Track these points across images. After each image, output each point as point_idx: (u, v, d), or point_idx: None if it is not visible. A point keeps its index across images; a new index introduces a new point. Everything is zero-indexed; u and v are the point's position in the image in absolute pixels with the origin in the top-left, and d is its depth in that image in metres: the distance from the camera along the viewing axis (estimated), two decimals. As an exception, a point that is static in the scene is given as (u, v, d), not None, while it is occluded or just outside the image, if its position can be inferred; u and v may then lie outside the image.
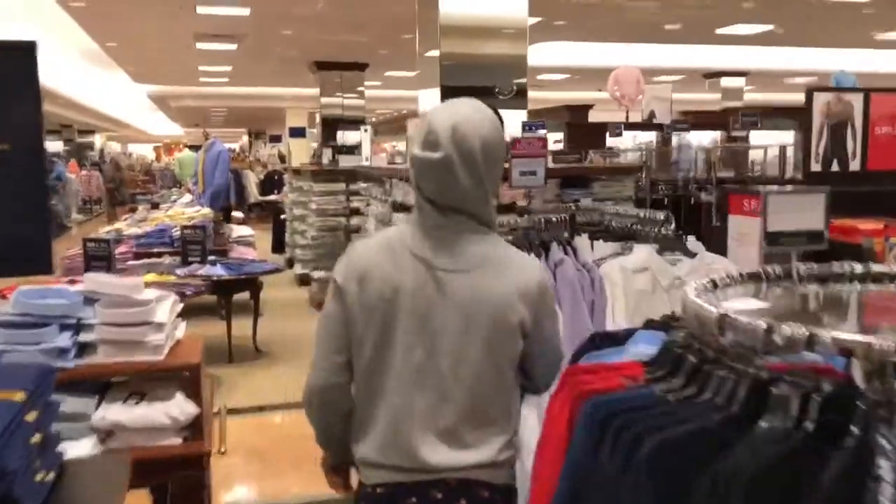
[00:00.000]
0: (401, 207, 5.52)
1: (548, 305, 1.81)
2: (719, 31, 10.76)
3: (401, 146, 9.17)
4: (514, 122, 6.96)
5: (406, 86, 14.44)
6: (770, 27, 10.49)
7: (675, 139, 10.85)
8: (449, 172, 1.67)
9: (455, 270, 1.70)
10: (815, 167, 3.68)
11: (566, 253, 2.92)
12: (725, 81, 16.30)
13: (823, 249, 2.51)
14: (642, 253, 2.94)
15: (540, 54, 7.17)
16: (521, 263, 1.78)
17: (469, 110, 1.72)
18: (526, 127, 6.16)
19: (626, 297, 2.89)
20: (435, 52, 7.40)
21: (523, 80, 7.51)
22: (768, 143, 10.19)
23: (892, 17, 9.70)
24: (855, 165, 3.71)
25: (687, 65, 14.65)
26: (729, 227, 3.68)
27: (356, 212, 8.37)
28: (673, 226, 3.06)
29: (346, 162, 9.23)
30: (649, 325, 1.55)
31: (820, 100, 3.64)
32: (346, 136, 11.84)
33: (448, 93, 7.30)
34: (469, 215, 1.72)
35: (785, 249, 1.95)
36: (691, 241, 2.97)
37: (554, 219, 3.04)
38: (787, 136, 10.26)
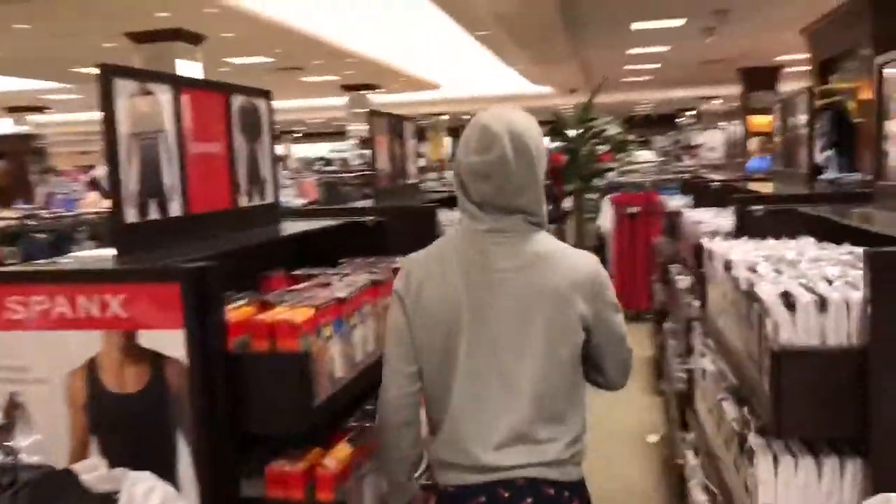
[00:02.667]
0: None
1: (607, 297, 1.83)
2: None
3: None
4: None
5: None
6: None
7: None
8: (507, 171, 1.74)
9: (510, 270, 1.76)
10: (132, 216, 2.02)
11: None
12: None
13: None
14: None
15: None
16: (574, 257, 1.83)
17: (517, 112, 1.83)
18: None
19: None
20: None
21: None
22: None
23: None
24: (177, 208, 2.21)
25: None
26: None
27: None
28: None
29: None
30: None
31: (125, 92, 1.98)
32: None
33: None
34: (525, 214, 1.79)
35: None
36: None
37: None
38: None
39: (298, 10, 10.07)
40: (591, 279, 1.79)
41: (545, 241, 1.82)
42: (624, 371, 1.92)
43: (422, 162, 19.99)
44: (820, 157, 10.68)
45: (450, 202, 4.58)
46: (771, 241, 2.68)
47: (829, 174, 10.03)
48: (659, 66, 15.80)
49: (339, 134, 25.41)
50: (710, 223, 3.83)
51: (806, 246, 2.40)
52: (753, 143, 15.02)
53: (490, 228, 1.78)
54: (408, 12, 10.52)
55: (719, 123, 25.40)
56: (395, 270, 2.67)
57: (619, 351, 1.88)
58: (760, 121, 16.71)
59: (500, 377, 1.74)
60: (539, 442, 1.74)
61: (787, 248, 2.40)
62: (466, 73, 17.83)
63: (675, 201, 5.69)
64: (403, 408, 1.83)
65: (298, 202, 15.09)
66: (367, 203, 3.90)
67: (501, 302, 1.75)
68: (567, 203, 11.41)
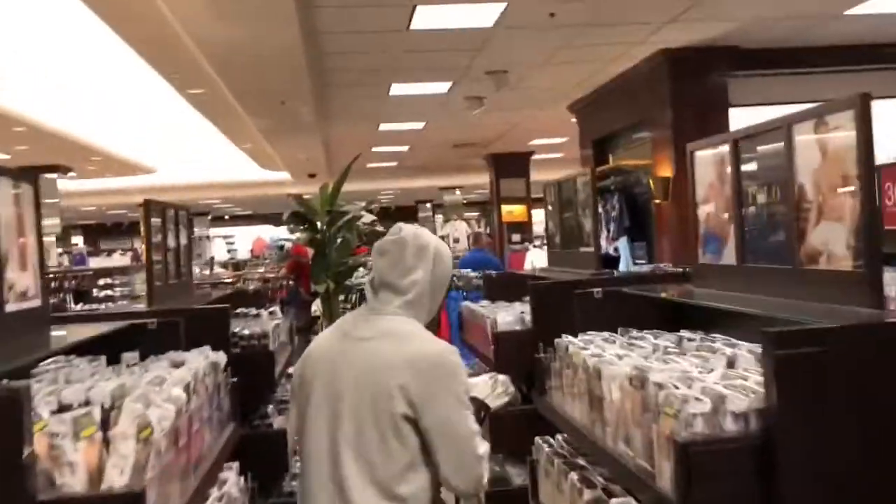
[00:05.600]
0: None
1: (447, 383, 1.93)
2: None
3: None
4: None
5: None
6: None
7: None
8: (401, 251, 2.04)
9: (361, 339, 2.00)
10: None
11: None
12: None
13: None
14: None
15: None
16: (424, 340, 2.01)
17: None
18: None
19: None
20: None
21: None
22: None
23: None
24: None
25: None
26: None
27: None
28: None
29: None
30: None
31: None
32: None
33: None
34: (405, 297, 2.02)
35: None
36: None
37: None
38: None
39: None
40: (431, 359, 1.95)
41: (407, 323, 2.02)
42: (463, 475, 1.94)
43: (126, 260, 16.98)
44: (609, 247, 9.41)
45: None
46: None
47: (622, 265, 8.65)
48: (407, 149, 14.28)
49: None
50: (663, 373, 1.77)
51: None
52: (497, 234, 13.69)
53: (370, 308, 2.07)
54: (103, 65, 7.86)
55: (465, 214, 24.60)
56: None
57: (455, 448, 1.93)
58: (513, 209, 15.81)
59: (333, 443, 1.92)
60: None
61: None
62: (188, 155, 15.14)
63: (502, 315, 3.63)
64: None
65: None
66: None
67: (345, 368, 1.96)
68: (316, 307, 9.14)
